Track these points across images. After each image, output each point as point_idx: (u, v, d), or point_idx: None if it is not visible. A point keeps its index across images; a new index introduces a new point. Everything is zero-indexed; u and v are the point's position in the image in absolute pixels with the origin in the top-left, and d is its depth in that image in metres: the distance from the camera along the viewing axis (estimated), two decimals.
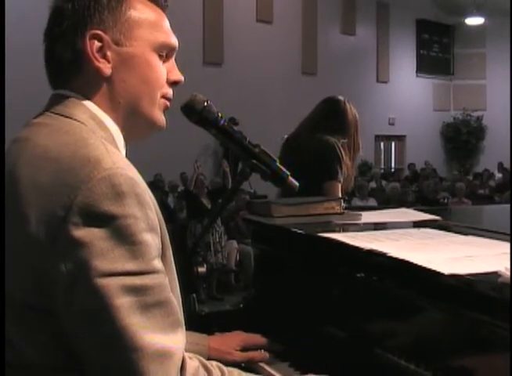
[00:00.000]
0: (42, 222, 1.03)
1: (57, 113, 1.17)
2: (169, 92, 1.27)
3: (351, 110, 3.34)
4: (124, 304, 1.00)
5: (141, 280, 1.03)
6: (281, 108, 12.99)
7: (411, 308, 1.43)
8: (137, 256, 1.03)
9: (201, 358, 1.21)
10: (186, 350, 1.12)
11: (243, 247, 7.65)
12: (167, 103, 1.28)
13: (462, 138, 17.53)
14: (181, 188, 10.26)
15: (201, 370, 1.16)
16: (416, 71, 17.43)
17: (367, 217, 2.13)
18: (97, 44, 1.17)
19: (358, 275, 1.56)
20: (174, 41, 1.27)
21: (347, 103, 3.35)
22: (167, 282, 1.09)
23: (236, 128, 1.49)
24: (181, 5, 10.51)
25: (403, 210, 2.38)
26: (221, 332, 1.71)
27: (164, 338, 1.03)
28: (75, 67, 1.19)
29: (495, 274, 1.21)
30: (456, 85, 18.10)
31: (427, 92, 17.53)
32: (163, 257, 1.11)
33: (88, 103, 1.19)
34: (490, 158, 16.31)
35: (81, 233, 1.01)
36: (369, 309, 1.55)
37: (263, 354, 1.64)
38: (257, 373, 1.55)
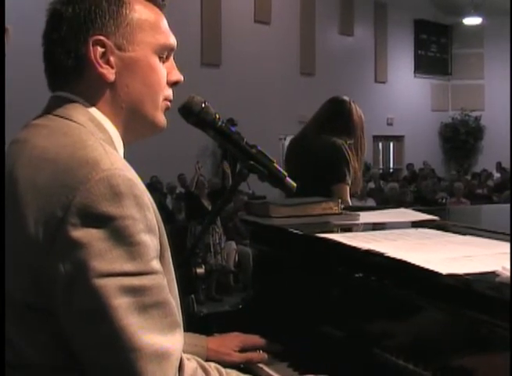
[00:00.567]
0: (41, 223, 1.03)
1: (56, 115, 1.16)
2: (170, 93, 1.28)
3: (357, 110, 3.30)
4: (122, 304, 1.01)
5: (139, 280, 1.03)
6: (279, 108, 13.00)
7: (409, 308, 1.43)
8: (135, 257, 1.03)
9: (199, 359, 1.21)
10: (184, 351, 1.13)
11: (242, 248, 7.64)
12: (169, 105, 1.28)
13: (460, 138, 17.53)
14: (179, 189, 10.26)
15: (199, 371, 1.16)
16: (414, 71, 17.44)
17: (365, 217, 2.13)
18: (100, 50, 1.16)
19: (357, 275, 1.56)
20: (173, 41, 1.27)
21: (352, 104, 3.31)
22: (165, 283, 1.09)
23: (234, 128, 1.49)
24: (179, 6, 10.50)
25: (402, 210, 2.38)
26: (220, 333, 1.71)
27: (162, 338, 1.04)
28: (77, 72, 1.18)
29: (493, 274, 1.22)
30: (454, 85, 18.10)
31: (425, 92, 17.53)
32: (161, 258, 1.11)
33: (87, 105, 1.18)
34: (488, 158, 16.31)
35: (80, 233, 1.01)
36: (368, 309, 1.55)
37: (261, 355, 1.63)
38: (255, 374, 1.55)
